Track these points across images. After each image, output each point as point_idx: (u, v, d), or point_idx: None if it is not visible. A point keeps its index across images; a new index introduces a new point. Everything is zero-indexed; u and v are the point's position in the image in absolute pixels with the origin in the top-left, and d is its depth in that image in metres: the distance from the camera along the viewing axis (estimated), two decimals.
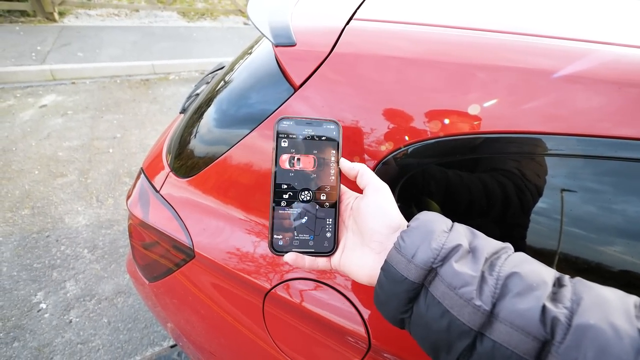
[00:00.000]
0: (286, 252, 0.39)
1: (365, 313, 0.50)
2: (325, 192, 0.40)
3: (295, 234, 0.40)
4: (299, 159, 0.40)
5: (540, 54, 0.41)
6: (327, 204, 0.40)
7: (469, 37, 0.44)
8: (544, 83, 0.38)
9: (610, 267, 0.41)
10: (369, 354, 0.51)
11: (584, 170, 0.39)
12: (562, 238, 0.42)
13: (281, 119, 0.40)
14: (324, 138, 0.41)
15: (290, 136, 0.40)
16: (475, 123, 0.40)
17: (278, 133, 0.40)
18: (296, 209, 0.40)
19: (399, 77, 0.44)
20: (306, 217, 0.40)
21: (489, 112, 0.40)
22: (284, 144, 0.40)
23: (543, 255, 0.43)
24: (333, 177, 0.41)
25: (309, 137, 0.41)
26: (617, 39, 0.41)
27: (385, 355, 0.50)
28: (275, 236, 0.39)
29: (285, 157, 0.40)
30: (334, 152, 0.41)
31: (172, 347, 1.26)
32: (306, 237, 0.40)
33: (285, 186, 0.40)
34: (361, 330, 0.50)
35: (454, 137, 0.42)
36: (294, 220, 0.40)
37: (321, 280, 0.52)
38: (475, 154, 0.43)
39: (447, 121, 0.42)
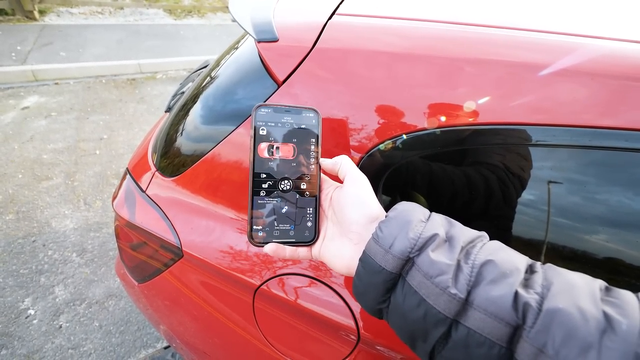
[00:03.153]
0: (266, 243, 0.38)
1: (354, 305, 0.51)
2: (305, 181, 0.40)
3: (276, 224, 0.39)
4: (277, 148, 0.39)
5: (527, 48, 0.41)
6: (307, 193, 0.40)
7: (451, 32, 0.45)
8: (529, 76, 0.39)
9: (596, 255, 0.42)
10: (358, 346, 0.52)
11: (569, 160, 0.40)
12: (549, 228, 0.42)
13: (259, 106, 0.39)
14: (303, 126, 0.40)
15: (269, 124, 0.39)
16: (463, 116, 0.41)
17: (256, 121, 0.39)
18: (276, 198, 0.39)
19: (387, 72, 0.44)
20: (286, 207, 0.39)
21: (477, 105, 0.40)
22: (262, 132, 0.39)
23: (529, 245, 0.44)
24: (313, 166, 0.40)
25: (288, 125, 0.40)
26: (601, 33, 0.42)
27: (376, 347, 0.51)
28: (254, 227, 0.38)
29: (263, 146, 0.39)
30: (314, 140, 0.40)
31: (165, 348, 1.25)
32: (286, 227, 0.39)
33: (264, 175, 0.39)
34: (350, 322, 0.50)
35: (442, 129, 0.42)
36: (274, 210, 0.39)
37: (309, 275, 0.53)
38: (460, 146, 0.43)
39: (435, 115, 0.42)
